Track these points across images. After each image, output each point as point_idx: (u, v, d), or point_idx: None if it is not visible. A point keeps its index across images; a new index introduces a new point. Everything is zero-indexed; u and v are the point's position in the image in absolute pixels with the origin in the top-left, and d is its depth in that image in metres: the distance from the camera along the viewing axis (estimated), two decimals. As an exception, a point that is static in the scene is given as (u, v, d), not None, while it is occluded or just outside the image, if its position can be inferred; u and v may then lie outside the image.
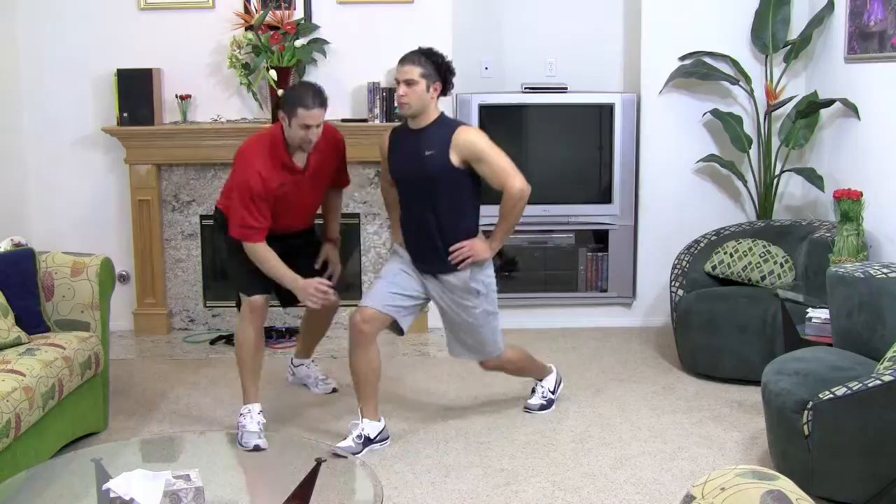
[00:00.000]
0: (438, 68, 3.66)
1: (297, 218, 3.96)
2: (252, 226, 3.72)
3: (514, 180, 3.63)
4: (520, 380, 4.46)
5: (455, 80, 3.76)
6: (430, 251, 3.77)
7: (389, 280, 3.82)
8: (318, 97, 3.68)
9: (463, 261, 3.73)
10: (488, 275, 3.84)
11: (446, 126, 3.70)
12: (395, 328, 3.85)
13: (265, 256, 3.77)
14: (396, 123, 4.04)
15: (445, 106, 5.27)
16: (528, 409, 4.20)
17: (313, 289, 3.79)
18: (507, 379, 4.53)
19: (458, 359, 4.03)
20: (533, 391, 4.25)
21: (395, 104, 3.73)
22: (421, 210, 3.75)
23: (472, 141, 3.65)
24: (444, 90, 3.72)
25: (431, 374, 4.74)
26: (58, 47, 5.35)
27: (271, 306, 4.01)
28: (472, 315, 3.81)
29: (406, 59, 3.66)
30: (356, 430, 3.76)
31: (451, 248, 3.73)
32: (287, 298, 4.02)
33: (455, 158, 3.64)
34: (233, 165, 3.82)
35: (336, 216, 4.25)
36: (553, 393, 4.24)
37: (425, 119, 3.69)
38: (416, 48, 3.72)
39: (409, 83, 3.62)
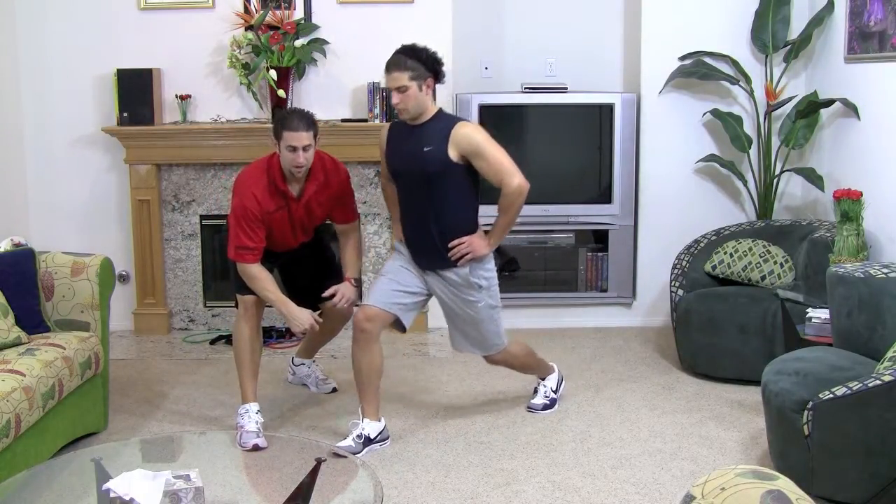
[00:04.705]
0: (425, 64, 3.63)
1: (292, 240, 3.98)
2: (247, 246, 3.77)
3: (512, 178, 3.62)
4: (520, 379, 4.46)
5: (447, 71, 3.76)
6: (429, 248, 3.76)
7: (391, 277, 3.83)
8: (304, 120, 3.69)
9: (462, 257, 3.74)
10: (489, 269, 3.83)
11: (445, 121, 3.70)
12: (398, 325, 3.85)
13: (257, 276, 3.80)
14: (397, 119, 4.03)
15: (445, 107, 5.29)
16: (531, 408, 4.19)
17: (300, 323, 3.83)
18: (508, 378, 4.53)
19: (462, 353, 4.03)
20: (535, 391, 4.24)
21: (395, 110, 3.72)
22: (419, 206, 3.74)
23: (470, 135, 3.64)
24: (437, 80, 3.71)
25: (431, 374, 4.73)
26: (58, 47, 5.35)
27: (271, 306, 4.01)
28: (474, 309, 3.81)
29: (391, 67, 3.63)
30: (356, 429, 3.76)
31: (451, 245, 3.73)
32: (307, 301, 4.01)
33: (454, 153, 3.63)
34: (232, 191, 3.88)
35: (351, 255, 4.04)
36: (556, 392, 4.24)
37: (424, 115, 3.70)
38: (398, 49, 3.68)
39: (401, 90, 3.61)
